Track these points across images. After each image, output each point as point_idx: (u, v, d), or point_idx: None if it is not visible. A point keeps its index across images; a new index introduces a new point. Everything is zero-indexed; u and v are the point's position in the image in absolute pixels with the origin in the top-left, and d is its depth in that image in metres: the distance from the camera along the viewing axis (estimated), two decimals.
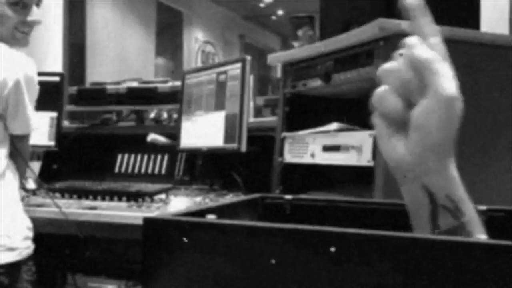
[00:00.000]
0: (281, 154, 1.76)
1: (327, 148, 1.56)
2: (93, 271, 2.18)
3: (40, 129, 2.14)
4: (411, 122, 0.58)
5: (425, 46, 0.60)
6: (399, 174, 0.60)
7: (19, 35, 1.64)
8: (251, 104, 2.50)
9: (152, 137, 2.28)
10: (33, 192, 2.01)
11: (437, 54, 0.60)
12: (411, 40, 0.60)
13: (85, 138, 2.55)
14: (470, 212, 0.58)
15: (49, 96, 2.16)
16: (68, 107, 2.60)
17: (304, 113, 1.78)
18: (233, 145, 1.94)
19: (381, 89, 0.63)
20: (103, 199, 1.85)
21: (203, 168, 2.29)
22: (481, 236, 0.54)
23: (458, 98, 0.57)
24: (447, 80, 0.57)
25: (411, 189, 0.59)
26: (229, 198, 1.88)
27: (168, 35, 8.99)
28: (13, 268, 1.53)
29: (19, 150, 1.64)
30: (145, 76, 3.51)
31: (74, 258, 2.24)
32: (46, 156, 2.41)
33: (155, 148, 2.35)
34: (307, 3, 3.83)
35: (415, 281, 0.44)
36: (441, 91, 0.56)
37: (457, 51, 1.50)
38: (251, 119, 2.31)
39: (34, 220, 1.65)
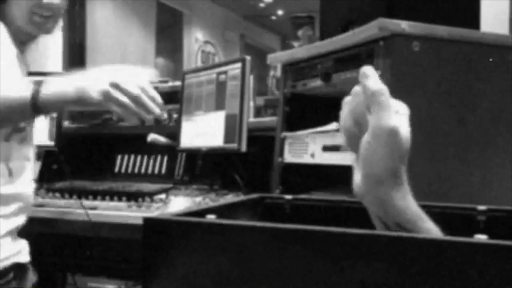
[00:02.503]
0: (281, 154, 1.76)
1: (327, 148, 1.56)
2: (93, 271, 2.18)
3: (40, 129, 2.13)
4: (359, 152, 0.59)
5: (377, 79, 0.60)
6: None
7: (37, 19, 1.47)
8: (251, 104, 2.50)
9: (152, 137, 2.28)
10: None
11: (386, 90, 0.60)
12: (366, 70, 0.60)
13: (85, 138, 2.55)
14: (427, 227, 0.59)
15: None
16: None
17: (304, 113, 1.78)
18: (233, 145, 1.94)
19: (345, 111, 0.63)
20: (103, 199, 1.85)
21: (203, 168, 2.29)
22: (481, 236, 0.54)
23: (398, 131, 0.57)
24: (387, 113, 0.57)
25: (371, 215, 0.61)
26: (229, 198, 1.88)
27: (168, 35, 8.98)
28: None
29: None
30: None
31: (74, 258, 2.23)
32: (46, 156, 2.41)
33: (155, 148, 2.35)
34: (307, 3, 3.83)
35: (415, 281, 0.44)
36: (380, 124, 0.57)
37: (457, 51, 1.50)
38: (251, 119, 2.31)
39: (34, 220, 1.65)
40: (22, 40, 1.52)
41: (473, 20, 1.54)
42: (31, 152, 1.56)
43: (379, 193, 0.59)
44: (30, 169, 1.55)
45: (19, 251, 1.46)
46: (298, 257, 0.48)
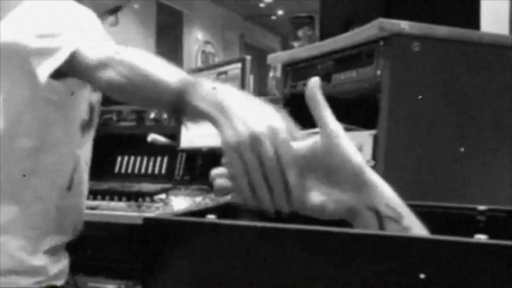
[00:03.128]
0: None
1: None
2: (94, 271, 2.18)
3: None
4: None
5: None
6: (347, 215, 0.63)
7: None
8: None
9: (152, 137, 2.28)
10: None
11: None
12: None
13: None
14: (407, 213, 0.61)
15: None
16: None
17: (304, 113, 1.78)
18: None
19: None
20: (103, 199, 1.85)
21: (203, 168, 2.29)
22: (481, 236, 0.54)
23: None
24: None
25: (360, 215, 0.62)
26: (229, 198, 1.87)
27: (168, 35, 8.99)
28: None
29: None
30: None
31: (75, 258, 2.24)
32: None
33: (155, 148, 2.35)
34: (307, 3, 3.83)
35: (415, 281, 0.44)
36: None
37: (457, 51, 1.50)
38: None
39: None
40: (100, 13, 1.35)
41: (473, 20, 1.54)
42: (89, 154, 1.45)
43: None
44: (87, 177, 1.45)
45: (56, 275, 1.35)
46: (298, 257, 0.48)
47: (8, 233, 1.25)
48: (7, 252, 1.25)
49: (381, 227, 0.60)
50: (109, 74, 1.00)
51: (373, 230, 0.50)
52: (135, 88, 0.98)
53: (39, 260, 1.29)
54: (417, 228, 0.60)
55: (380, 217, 0.60)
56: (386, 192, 0.62)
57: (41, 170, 1.27)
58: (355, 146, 0.63)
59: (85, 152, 1.39)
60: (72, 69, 1.11)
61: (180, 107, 0.86)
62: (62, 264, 1.38)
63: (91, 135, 1.42)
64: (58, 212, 1.32)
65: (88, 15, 1.22)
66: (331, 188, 0.63)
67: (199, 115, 0.83)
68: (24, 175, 1.25)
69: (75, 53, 1.09)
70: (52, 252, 1.33)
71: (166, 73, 0.95)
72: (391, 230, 0.60)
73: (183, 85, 0.86)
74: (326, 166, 0.63)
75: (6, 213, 1.24)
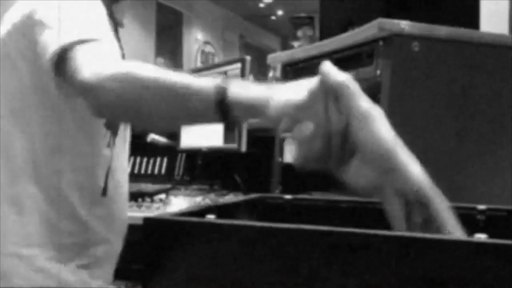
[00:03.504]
0: (281, 154, 1.76)
1: None
2: None
3: None
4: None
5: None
6: (376, 195, 0.64)
7: None
8: None
9: (152, 137, 2.28)
10: None
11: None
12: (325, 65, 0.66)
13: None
14: (434, 197, 0.61)
15: None
16: None
17: None
18: (233, 145, 1.94)
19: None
20: None
21: (203, 168, 2.29)
22: (481, 235, 0.54)
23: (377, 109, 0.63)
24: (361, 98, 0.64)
25: (387, 197, 0.62)
26: (229, 198, 1.88)
27: (168, 35, 8.99)
28: None
29: None
30: None
31: None
32: None
33: (155, 148, 2.35)
34: (306, 3, 3.83)
35: (415, 280, 0.44)
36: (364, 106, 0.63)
37: (456, 51, 1.50)
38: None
39: None
40: None
41: (472, 20, 1.54)
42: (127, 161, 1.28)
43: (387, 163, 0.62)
44: (126, 180, 1.27)
45: None
46: (298, 256, 0.48)
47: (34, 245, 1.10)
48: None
49: (408, 214, 0.60)
50: (121, 86, 0.83)
51: (373, 230, 0.50)
52: (165, 103, 0.81)
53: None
54: (445, 213, 0.60)
55: (407, 203, 0.60)
56: (416, 176, 0.61)
57: (67, 170, 1.12)
58: (388, 128, 0.63)
59: (119, 152, 1.22)
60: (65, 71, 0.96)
61: (227, 104, 0.74)
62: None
63: (124, 133, 1.25)
64: (92, 220, 1.16)
65: (101, 10, 1.07)
66: (361, 163, 0.63)
67: (249, 107, 0.73)
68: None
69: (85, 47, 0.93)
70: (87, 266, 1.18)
71: (191, 80, 0.80)
72: (417, 217, 0.59)
73: (217, 84, 0.75)
74: (358, 144, 0.63)
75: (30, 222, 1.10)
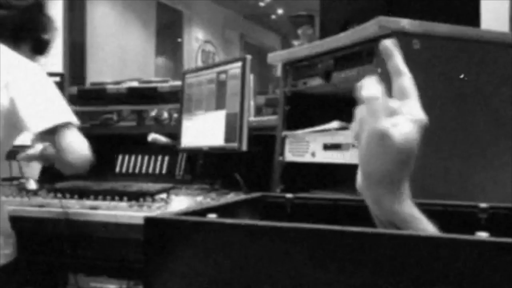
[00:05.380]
0: (282, 153, 1.76)
1: (327, 147, 1.56)
2: (95, 271, 2.18)
3: None
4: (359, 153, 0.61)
5: (374, 85, 0.60)
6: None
7: None
8: (252, 103, 2.50)
9: (152, 136, 2.28)
10: (34, 193, 2.01)
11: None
12: (365, 82, 0.59)
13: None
14: (424, 228, 0.59)
15: None
16: None
17: (305, 111, 1.78)
18: (234, 145, 1.94)
19: (356, 118, 0.63)
20: (104, 199, 1.85)
21: (204, 167, 2.29)
22: (483, 233, 0.54)
23: (387, 136, 0.58)
24: (377, 119, 0.58)
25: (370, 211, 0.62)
26: (230, 197, 1.88)
27: (168, 35, 8.98)
28: None
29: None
30: (145, 76, 3.51)
31: (76, 258, 2.23)
32: None
33: (156, 148, 2.35)
34: (306, 2, 3.83)
35: (416, 280, 0.44)
36: (371, 127, 0.58)
37: (457, 49, 1.50)
38: (252, 118, 2.31)
39: (35, 220, 1.65)
40: None
41: (473, 17, 1.54)
42: None
43: (375, 193, 0.60)
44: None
45: None
46: (299, 256, 0.48)
47: None
48: None
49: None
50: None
51: (373, 229, 0.50)
52: None
53: None
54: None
55: (384, 227, 0.60)
56: (394, 210, 0.60)
57: None
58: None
59: None
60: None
61: None
62: None
63: None
64: None
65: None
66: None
67: None
68: None
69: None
70: None
71: None
72: None
73: None
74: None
75: None
